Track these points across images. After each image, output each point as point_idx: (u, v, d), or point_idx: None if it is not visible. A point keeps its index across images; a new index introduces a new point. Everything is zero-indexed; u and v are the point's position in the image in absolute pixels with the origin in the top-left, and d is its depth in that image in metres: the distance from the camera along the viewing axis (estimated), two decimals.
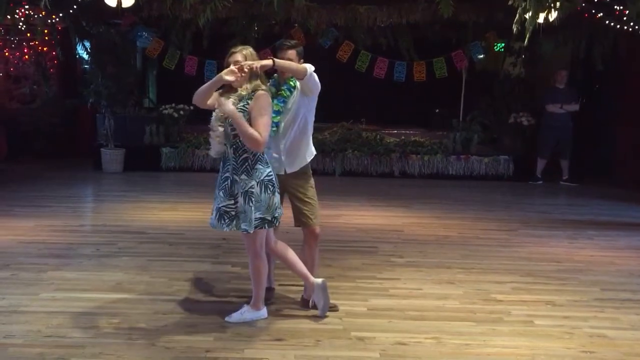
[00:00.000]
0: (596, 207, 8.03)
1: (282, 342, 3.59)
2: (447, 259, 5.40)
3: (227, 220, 3.65)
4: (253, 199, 3.60)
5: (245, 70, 3.53)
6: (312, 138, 4.15)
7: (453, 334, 3.76)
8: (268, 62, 3.66)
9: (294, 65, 3.80)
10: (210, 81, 3.65)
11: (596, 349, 3.62)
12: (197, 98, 3.71)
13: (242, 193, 3.61)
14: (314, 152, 4.14)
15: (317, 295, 3.94)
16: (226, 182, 3.65)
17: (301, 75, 3.80)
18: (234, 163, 3.63)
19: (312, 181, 4.10)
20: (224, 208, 3.65)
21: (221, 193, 3.65)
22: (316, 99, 4.00)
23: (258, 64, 3.59)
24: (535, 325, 3.96)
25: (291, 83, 3.92)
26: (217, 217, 3.67)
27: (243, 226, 3.63)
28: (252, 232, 3.63)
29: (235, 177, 3.63)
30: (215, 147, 3.68)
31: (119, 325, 3.75)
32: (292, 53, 3.90)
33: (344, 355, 3.44)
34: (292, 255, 3.94)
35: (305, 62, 3.97)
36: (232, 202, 3.64)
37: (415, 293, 4.52)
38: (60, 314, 3.89)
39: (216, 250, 5.40)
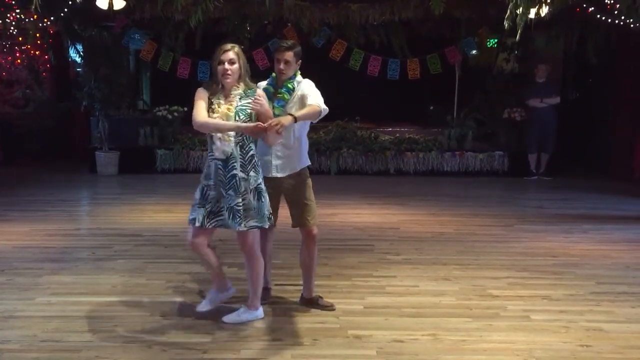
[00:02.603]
0: (591, 201, 8.06)
1: (279, 341, 3.59)
2: (443, 256, 5.41)
3: (238, 219, 3.61)
4: (263, 195, 3.67)
5: (277, 131, 3.50)
6: (307, 137, 4.13)
7: (450, 330, 3.76)
8: (290, 120, 3.61)
9: (310, 112, 3.75)
10: (230, 125, 3.56)
11: (592, 342, 3.63)
12: (206, 130, 3.62)
13: (251, 190, 3.63)
14: (308, 163, 4.07)
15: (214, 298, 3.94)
16: (234, 180, 3.60)
17: (317, 117, 3.82)
18: (242, 160, 3.61)
19: (309, 181, 4.07)
20: (235, 207, 3.61)
21: (231, 192, 3.60)
22: None
23: (281, 126, 3.52)
24: (531, 320, 3.97)
25: (289, 85, 3.88)
26: (230, 216, 3.62)
27: (253, 223, 3.64)
28: (266, 226, 3.71)
29: (243, 174, 3.61)
30: (221, 147, 3.62)
31: (115, 328, 3.74)
32: (289, 55, 3.85)
33: (341, 354, 3.44)
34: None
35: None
36: (240, 200, 3.61)
37: (411, 290, 4.52)
38: (56, 318, 3.88)
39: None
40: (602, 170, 9.98)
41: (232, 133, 3.59)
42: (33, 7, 6.30)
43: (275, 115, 3.77)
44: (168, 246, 5.59)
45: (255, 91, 3.69)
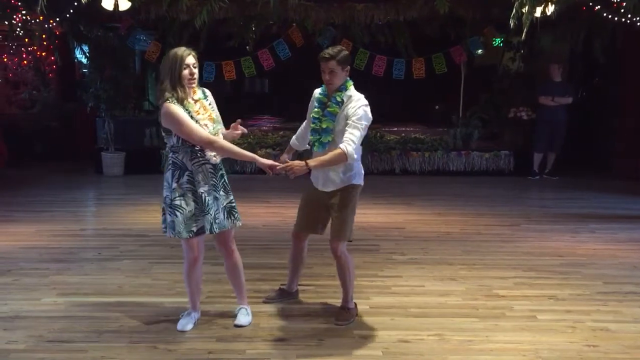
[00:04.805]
0: (597, 200, 8.02)
1: (284, 342, 3.59)
2: (448, 256, 5.39)
3: (234, 216, 3.72)
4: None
5: (288, 176, 3.55)
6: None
7: (456, 331, 3.75)
8: (304, 170, 3.49)
9: (330, 160, 3.54)
10: (247, 156, 3.58)
11: (599, 342, 3.61)
12: (222, 153, 3.56)
13: (229, 189, 3.74)
14: (354, 181, 3.78)
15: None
16: (223, 179, 3.68)
17: (343, 162, 3.57)
18: (222, 161, 3.72)
19: (351, 199, 3.80)
20: (229, 205, 3.69)
21: (222, 192, 3.65)
22: None
23: (292, 173, 3.48)
24: (538, 320, 3.95)
25: (338, 98, 3.68)
26: (225, 215, 3.66)
27: (239, 217, 3.77)
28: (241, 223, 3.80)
29: (226, 175, 3.73)
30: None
31: (120, 328, 3.75)
32: (333, 64, 3.59)
33: (347, 354, 3.44)
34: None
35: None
36: (231, 197, 3.73)
37: (417, 290, 4.51)
38: (62, 318, 3.90)
39: (216, 252, 5.36)
40: (608, 169, 9.92)
41: (221, 135, 3.64)
42: (39, 8, 6.32)
43: (322, 129, 3.68)
44: (174, 246, 5.57)
45: (205, 92, 3.69)
